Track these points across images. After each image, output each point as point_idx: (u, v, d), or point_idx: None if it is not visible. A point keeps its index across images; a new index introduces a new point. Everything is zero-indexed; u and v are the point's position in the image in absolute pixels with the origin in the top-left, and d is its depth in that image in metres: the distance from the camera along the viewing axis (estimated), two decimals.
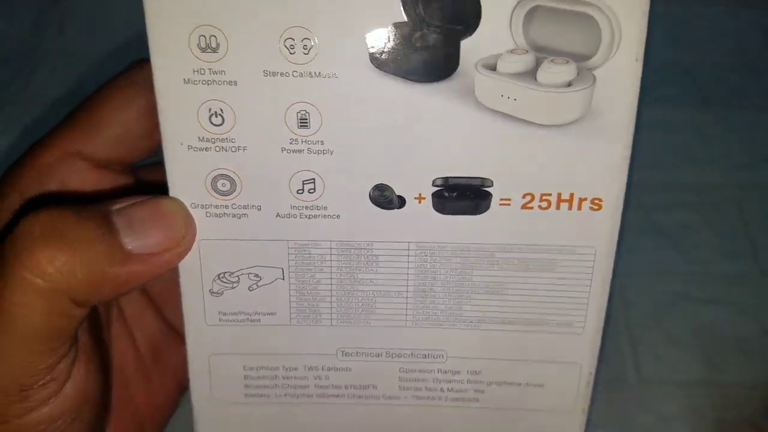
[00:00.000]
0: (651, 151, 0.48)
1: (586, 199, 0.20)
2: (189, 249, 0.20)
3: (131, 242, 0.19)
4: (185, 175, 0.20)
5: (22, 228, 0.18)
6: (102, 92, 0.21)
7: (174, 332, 0.25)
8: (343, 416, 0.23)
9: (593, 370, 0.22)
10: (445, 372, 0.22)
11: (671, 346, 0.40)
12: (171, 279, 0.21)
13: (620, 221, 0.20)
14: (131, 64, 0.21)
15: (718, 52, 0.55)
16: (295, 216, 0.20)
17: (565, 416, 0.22)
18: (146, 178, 0.23)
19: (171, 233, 0.20)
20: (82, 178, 0.21)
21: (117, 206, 0.19)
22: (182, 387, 0.25)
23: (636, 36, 0.18)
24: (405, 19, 0.18)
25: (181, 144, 0.20)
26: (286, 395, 0.22)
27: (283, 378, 0.22)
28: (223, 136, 0.19)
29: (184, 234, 0.20)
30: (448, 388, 0.22)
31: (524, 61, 0.19)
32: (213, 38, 0.18)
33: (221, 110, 0.19)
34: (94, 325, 0.22)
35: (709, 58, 0.54)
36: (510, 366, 0.22)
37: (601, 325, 0.21)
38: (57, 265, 0.17)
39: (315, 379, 0.22)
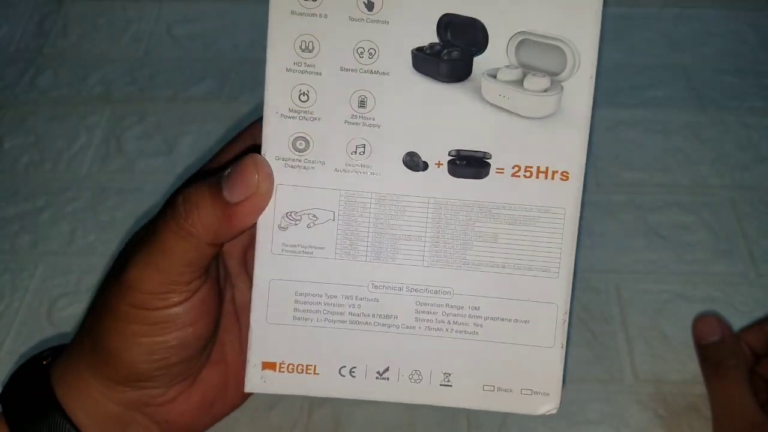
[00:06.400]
0: (647, 152, 0.49)
1: (557, 171, 0.28)
2: (268, 194, 0.28)
3: (228, 196, 0.27)
4: (276, 136, 0.28)
5: (176, 200, 0.27)
6: None
7: None
8: (369, 342, 0.28)
9: (567, 310, 0.28)
10: (452, 306, 0.28)
11: (667, 345, 0.41)
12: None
13: (583, 189, 0.28)
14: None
15: (714, 53, 0.56)
16: (348, 171, 0.28)
17: (548, 351, 0.28)
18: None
19: (248, 183, 0.27)
20: None
21: (227, 170, 0.27)
22: None
23: (590, 62, 0.28)
24: (438, 40, 0.28)
25: (276, 113, 0.28)
26: (325, 320, 0.28)
27: (325, 304, 0.28)
28: (306, 110, 0.28)
29: (259, 181, 0.27)
30: (454, 321, 0.28)
31: (515, 74, 0.28)
32: (311, 43, 0.28)
33: (307, 91, 0.28)
34: (218, 278, 0.30)
35: (704, 60, 0.55)
36: (502, 303, 0.28)
37: (572, 272, 0.28)
38: (196, 225, 0.26)
39: (349, 307, 0.28)
